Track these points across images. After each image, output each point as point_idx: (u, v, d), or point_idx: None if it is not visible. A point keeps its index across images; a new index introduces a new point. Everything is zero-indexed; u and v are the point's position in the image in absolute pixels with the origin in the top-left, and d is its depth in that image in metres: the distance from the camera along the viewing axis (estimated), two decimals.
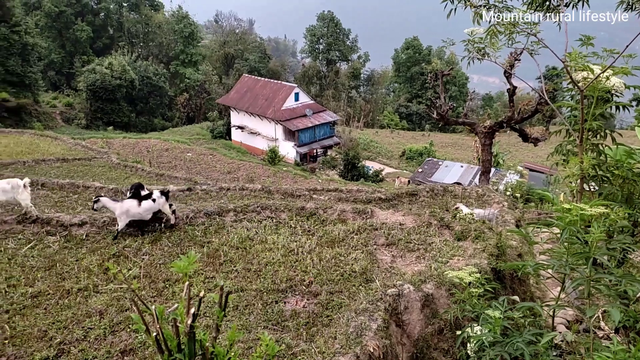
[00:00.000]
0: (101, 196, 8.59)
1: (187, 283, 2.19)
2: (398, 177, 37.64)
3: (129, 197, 8.35)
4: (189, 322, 2.07)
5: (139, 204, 8.13)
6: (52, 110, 56.45)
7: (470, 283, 4.27)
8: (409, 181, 34.57)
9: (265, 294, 6.63)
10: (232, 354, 2.12)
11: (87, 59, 64.65)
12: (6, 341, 5.62)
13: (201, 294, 2.12)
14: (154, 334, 2.11)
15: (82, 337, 5.72)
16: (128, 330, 5.86)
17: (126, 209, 8.16)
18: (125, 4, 75.17)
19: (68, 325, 5.95)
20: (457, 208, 9.67)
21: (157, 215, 8.43)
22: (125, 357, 5.38)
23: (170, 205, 8.53)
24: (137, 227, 8.49)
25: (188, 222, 9.07)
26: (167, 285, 6.96)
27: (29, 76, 50.78)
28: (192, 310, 2.09)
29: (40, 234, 8.46)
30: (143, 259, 7.74)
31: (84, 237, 8.41)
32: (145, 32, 76.47)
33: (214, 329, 2.27)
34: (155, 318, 2.17)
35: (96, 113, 55.52)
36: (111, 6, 74.29)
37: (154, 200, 8.18)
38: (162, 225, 8.73)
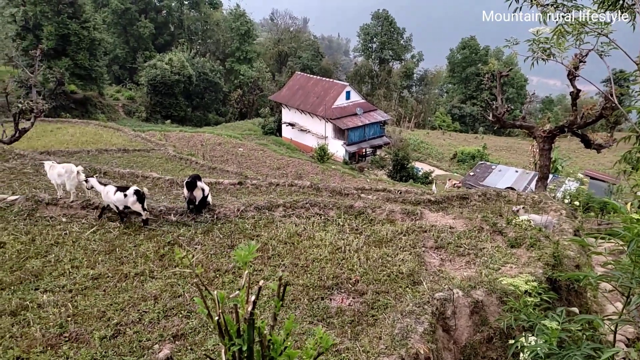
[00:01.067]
0: (91, 177, 9.42)
1: (246, 271, 2.26)
2: (450, 179, 36.76)
3: (112, 186, 8.81)
4: (249, 309, 2.13)
5: (114, 193, 8.53)
6: (115, 102, 59.40)
7: (526, 291, 4.12)
8: (459, 184, 33.68)
9: (311, 289, 6.70)
10: (288, 343, 2.16)
11: (149, 55, 67.48)
12: (69, 319, 5.99)
13: (261, 283, 2.18)
14: (216, 318, 2.19)
15: (137, 319, 6.01)
16: (180, 315, 6.09)
17: (105, 193, 8.67)
18: (186, 2, 77.80)
19: (125, 307, 6.26)
20: (517, 211, 9.35)
21: (128, 209, 8.68)
22: (176, 341, 5.60)
23: (143, 206, 8.66)
24: (117, 213, 8.84)
25: (239, 215, 9.30)
26: (217, 275, 7.17)
27: (96, 70, 53.64)
28: (252, 298, 2.15)
29: (103, 219, 8.95)
30: (196, 248, 8.01)
31: (142, 224, 8.81)
32: (204, 30, 78.80)
33: (271, 317, 2.32)
34: (217, 303, 2.26)
35: (155, 107, 57.87)
36: (173, 4, 77.11)
37: (125, 195, 8.46)
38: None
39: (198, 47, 75.57)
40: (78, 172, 9.43)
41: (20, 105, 22.05)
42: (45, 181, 13.28)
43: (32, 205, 9.19)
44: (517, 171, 36.85)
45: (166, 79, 55.82)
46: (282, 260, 7.58)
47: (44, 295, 6.44)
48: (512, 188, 28.64)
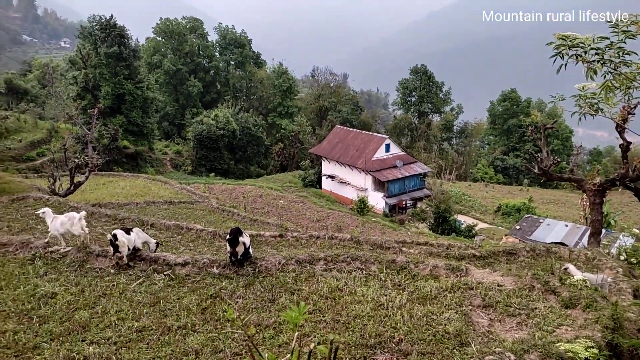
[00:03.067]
0: (46, 209, 10.56)
1: (296, 333, 2.25)
2: (506, 235, 35.34)
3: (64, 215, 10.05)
4: None
5: (60, 221, 10.03)
6: (163, 157, 62.21)
7: (586, 359, 3.84)
8: (517, 240, 32.33)
9: (353, 348, 6.49)
10: None
11: (197, 111, 71.08)
12: None
13: (311, 346, 2.16)
14: None
15: None
16: None
17: (53, 224, 10.06)
18: (232, 62, 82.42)
19: None
20: (565, 269, 8.89)
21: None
22: None
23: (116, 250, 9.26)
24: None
25: (280, 268, 9.29)
26: (258, 330, 7.10)
27: (147, 126, 56.81)
28: None
29: (148, 271, 9.16)
30: (237, 301, 8.01)
31: (186, 276, 8.94)
32: (248, 87, 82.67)
33: None
34: None
35: (200, 160, 60.14)
36: (220, 64, 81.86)
37: (62, 223, 9.97)
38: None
39: (242, 103, 79.02)
40: (79, 219, 10.11)
41: (76, 160, 23.46)
42: (96, 233, 13.85)
43: (83, 257, 9.55)
44: (567, 225, 35.29)
45: (212, 134, 58.23)
46: (323, 316, 7.44)
47: (90, 348, 6.54)
48: (562, 243, 27.33)
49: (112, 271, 9.15)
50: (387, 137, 51.58)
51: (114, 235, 8.99)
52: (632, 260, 16.36)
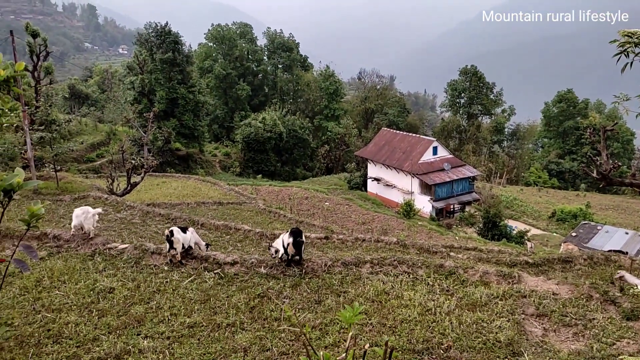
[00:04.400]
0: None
1: (350, 334, 2.27)
2: (565, 242, 33.89)
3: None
4: None
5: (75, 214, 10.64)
6: (212, 158, 63.99)
7: None
8: (575, 248, 30.92)
9: (400, 353, 6.43)
10: None
11: (245, 114, 72.65)
12: None
13: (366, 347, 2.17)
14: None
15: None
16: None
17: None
18: (280, 66, 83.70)
19: (216, 358, 6.44)
20: (621, 277, 8.42)
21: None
22: None
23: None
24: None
25: (326, 270, 9.34)
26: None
27: (198, 129, 58.65)
28: None
29: (199, 269, 9.46)
30: (284, 301, 8.12)
31: (234, 275, 9.17)
32: (295, 90, 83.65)
33: None
34: None
35: (248, 162, 61.38)
36: (268, 68, 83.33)
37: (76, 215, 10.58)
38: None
39: (289, 105, 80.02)
40: (94, 214, 10.58)
41: (133, 161, 24.59)
42: (151, 231, 14.45)
43: (139, 254, 10.00)
44: (627, 233, 33.37)
45: (259, 136, 59.33)
46: (369, 319, 7.41)
47: (145, 341, 6.84)
48: (622, 252, 25.84)
49: (165, 268, 9.52)
50: (434, 139, 50.64)
51: (171, 232, 9.34)
52: None
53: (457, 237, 33.63)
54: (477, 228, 40.47)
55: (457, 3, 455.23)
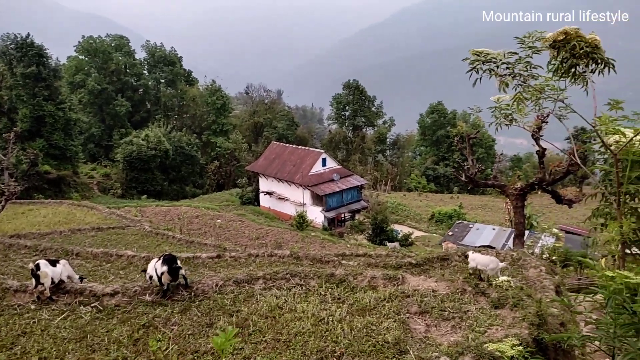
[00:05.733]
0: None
1: None
2: (445, 241, 36.78)
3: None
4: None
5: None
6: (89, 180, 58.93)
7: (512, 357, 4.04)
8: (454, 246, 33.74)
9: None
10: None
11: (125, 132, 68.18)
12: None
13: None
14: None
15: None
16: None
17: None
18: (162, 81, 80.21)
19: None
20: (466, 257, 9.50)
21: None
22: None
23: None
24: None
25: (218, 290, 9.02)
26: (195, 357, 6.82)
27: (70, 149, 53.64)
28: None
29: (73, 304, 8.54)
30: (172, 329, 7.66)
31: (115, 307, 8.44)
32: (180, 105, 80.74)
33: None
34: None
35: (131, 182, 57.60)
36: (150, 82, 79.36)
37: None
38: (192, 293, 8.69)
39: (174, 122, 77.00)
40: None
41: None
42: (16, 266, 12.79)
43: None
44: (494, 229, 37.36)
45: (142, 155, 56.07)
46: (263, 336, 7.29)
47: None
48: (491, 246, 28.87)
49: (32, 307, 8.45)
50: (323, 151, 52.23)
51: (37, 265, 8.32)
52: (553, 258, 17.56)
53: (348, 245, 34.87)
54: (367, 234, 42.42)
55: (335, 21, 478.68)
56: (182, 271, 8.80)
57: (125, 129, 70.73)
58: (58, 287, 8.84)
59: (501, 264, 8.59)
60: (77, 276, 9.40)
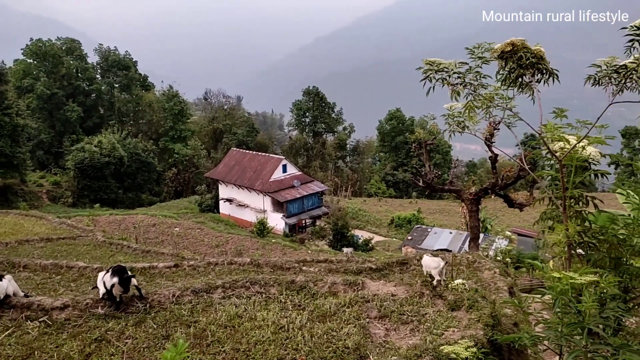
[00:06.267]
0: None
1: None
2: (405, 245, 37.39)
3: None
4: None
5: None
6: (38, 189, 56.24)
7: (466, 358, 4.14)
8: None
9: None
10: None
11: (77, 138, 65.58)
12: None
13: None
14: None
15: None
16: None
17: None
18: (116, 85, 77.75)
19: None
20: (420, 258, 9.79)
21: None
22: None
23: None
24: None
25: (174, 300, 8.79)
26: None
27: (18, 157, 51.03)
28: None
29: (19, 319, 8.09)
30: (126, 342, 7.39)
31: (65, 321, 8.06)
32: (136, 111, 78.51)
33: None
34: None
35: (83, 191, 55.41)
36: (103, 87, 76.77)
37: None
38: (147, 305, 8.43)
39: (130, 128, 74.81)
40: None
41: None
42: None
43: None
44: (451, 232, 38.37)
45: (95, 162, 54.11)
46: (222, 347, 7.15)
47: None
48: (448, 250, 29.61)
49: None
50: (283, 157, 52.14)
51: None
52: (506, 260, 18.17)
53: (309, 251, 34.85)
54: (328, 240, 42.58)
55: (294, 29, 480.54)
56: (134, 281, 8.51)
57: (76, 135, 68.04)
58: (3, 302, 8.35)
59: (442, 263, 8.83)
60: (22, 293, 8.90)
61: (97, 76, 77.92)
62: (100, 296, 8.41)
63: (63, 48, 72.72)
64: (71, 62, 72.23)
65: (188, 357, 7.01)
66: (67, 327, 7.86)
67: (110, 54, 77.43)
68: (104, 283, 8.19)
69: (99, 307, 8.42)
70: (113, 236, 26.34)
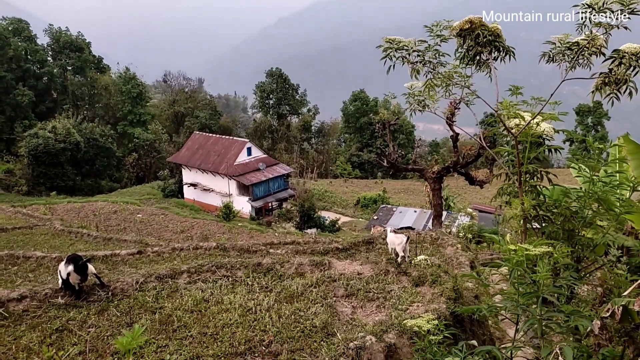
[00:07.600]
0: None
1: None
2: (374, 225, 37.90)
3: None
4: None
5: None
6: None
7: (428, 330, 4.27)
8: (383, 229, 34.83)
9: (223, 358, 6.31)
10: None
11: (29, 124, 62.61)
12: None
13: None
14: None
15: None
16: None
17: None
18: (69, 68, 74.26)
19: None
20: (384, 231, 9.98)
21: None
22: None
23: None
24: None
25: (138, 287, 8.63)
26: (115, 359, 6.49)
27: None
28: None
29: None
30: (89, 332, 7.22)
31: (23, 312, 7.78)
32: (91, 94, 75.47)
33: None
34: None
35: (38, 178, 53.19)
36: (55, 70, 73.20)
37: None
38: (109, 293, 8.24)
39: (85, 112, 71.95)
40: None
41: None
42: None
43: None
44: (415, 211, 39.20)
45: (50, 148, 51.91)
46: (189, 331, 7.09)
47: None
48: (412, 227, 30.27)
49: None
50: (248, 140, 51.55)
51: None
52: (468, 235, 18.75)
53: (276, 234, 34.88)
54: (295, 222, 42.69)
55: (256, 8, 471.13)
56: (92, 268, 8.28)
57: (29, 120, 64.91)
58: None
59: (404, 238, 9.04)
60: None
61: (49, 58, 74.11)
62: (60, 286, 8.18)
63: (10, 29, 68.67)
64: (19, 43, 68.36)
65: (147, 341, 6.91)
66: (25, 319, 7.60)
67: (61, 35, 73.67)
68: (60, 272, 7.96)
69: (59, 297, 8.17)
70: (72, 224, 25.52)
